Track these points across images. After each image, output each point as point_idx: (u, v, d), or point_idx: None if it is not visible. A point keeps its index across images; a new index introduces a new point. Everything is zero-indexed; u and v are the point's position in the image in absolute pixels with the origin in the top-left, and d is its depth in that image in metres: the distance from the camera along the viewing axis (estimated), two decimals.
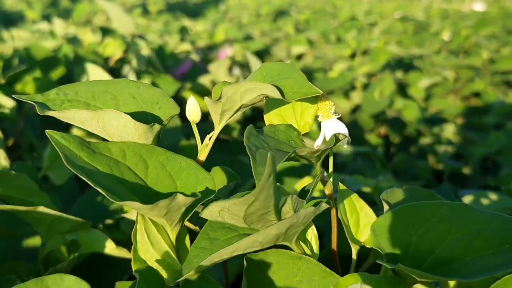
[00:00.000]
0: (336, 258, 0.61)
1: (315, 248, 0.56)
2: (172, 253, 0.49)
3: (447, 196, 1.21)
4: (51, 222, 0.64)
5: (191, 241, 0.51)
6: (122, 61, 1.73)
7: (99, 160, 0.48)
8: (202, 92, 1.69)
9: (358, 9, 7.15)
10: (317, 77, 2.55)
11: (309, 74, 2.58)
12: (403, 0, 8.97)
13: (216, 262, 0.46)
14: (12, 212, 0.67)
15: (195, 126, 0.55)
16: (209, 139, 0.56)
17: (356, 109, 2.32)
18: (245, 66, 2.86)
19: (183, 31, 3.49)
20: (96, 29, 1.98)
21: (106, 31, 1.89)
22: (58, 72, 1.57)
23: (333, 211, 0.60)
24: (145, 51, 1.72)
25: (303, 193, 0.55)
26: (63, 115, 0.52)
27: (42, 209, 0.61)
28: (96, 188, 0.44)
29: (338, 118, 0.57)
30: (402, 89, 2.67)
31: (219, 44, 3.26)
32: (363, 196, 1.19)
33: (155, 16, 4.48)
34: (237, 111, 0.54)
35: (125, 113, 0.51)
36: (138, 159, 0.51)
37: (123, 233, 0.85)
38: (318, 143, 0.56)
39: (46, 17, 3.72)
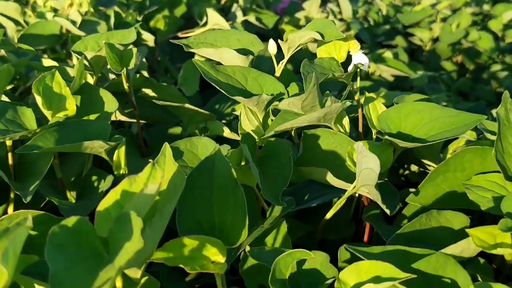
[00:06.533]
0: (361, 135, 0.97)
1: (347, 128, 0.91)
2: (260, 126, 0.87)
3: (480, 111, 1.52)
4: (192, 115, 1.05)
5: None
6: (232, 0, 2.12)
7: (221, 75, 0.87)
8: (296, 25, 2.06)
9: None
10: (404, 11, 2.85)
11: (397, 8, 2.88)
12: None
13: (283, 129, 0.84)
14: (165, 107, 1.08)
15: (274, 56, 0.93)
16: (282, 63, 0.93)
17: (436, 39, 2.61)
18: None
19: None
20: None
21: None
22: (180, 10, 1.97)
23: (359, 109, 0.97)
24: None
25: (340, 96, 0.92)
26: (199, 51, 0.91)
27: (187, 105, 1.01)
28: (220, 90, 0.83)
29: (363, 53, 0.93)
30: (485, 22, 2.88)
31: None
32: None
33: None
34: (297, 47, 0.91)
35: (233, 49, 0.90)
36: (241, 75, 0.89)
37: (232, 127, 1.19)
38: (349, 68, 0.92)
39: None
